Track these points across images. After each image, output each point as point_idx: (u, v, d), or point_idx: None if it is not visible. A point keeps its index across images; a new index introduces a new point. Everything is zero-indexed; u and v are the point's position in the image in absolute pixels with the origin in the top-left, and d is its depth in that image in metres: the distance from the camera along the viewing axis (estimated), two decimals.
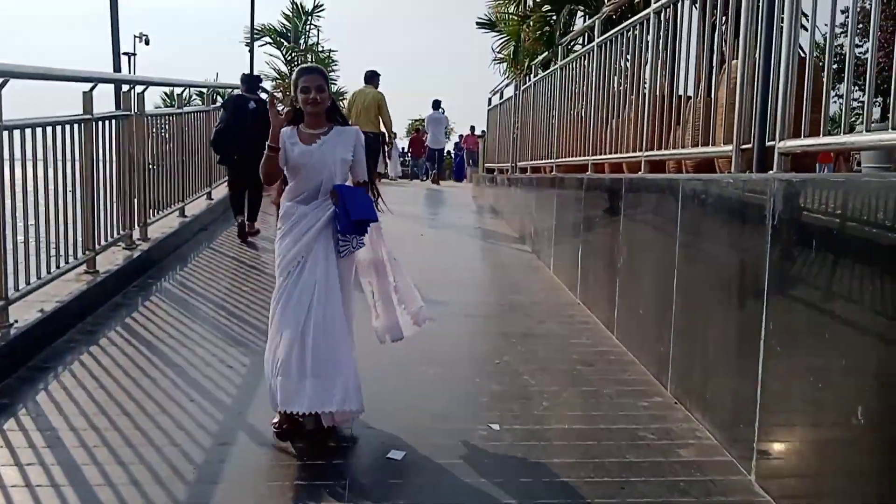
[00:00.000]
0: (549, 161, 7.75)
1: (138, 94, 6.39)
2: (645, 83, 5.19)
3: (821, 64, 3.26)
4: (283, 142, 3.24)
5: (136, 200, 6.34)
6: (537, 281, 6.40)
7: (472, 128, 24.53)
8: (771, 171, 3.12)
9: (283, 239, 3.28)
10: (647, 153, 4.85)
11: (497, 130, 11.63)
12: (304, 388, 3.06)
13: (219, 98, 9.97)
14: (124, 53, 32.48)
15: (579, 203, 5.81)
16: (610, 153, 5.72)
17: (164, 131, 7.65)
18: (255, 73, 14.46)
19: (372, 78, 10.35)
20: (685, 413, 3.44)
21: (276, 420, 3.19)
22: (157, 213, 6.96)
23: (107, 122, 5.65)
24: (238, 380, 3.89)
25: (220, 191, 9.46)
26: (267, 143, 3.23)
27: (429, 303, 3.61)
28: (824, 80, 3.02)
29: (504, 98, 11.34)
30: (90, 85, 5.18)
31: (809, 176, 2.99)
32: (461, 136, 27.23)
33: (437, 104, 16.34)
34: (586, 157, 6.34)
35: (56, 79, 4.88)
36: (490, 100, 12.70)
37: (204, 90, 14.59)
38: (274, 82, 14.47)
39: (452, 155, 25.73)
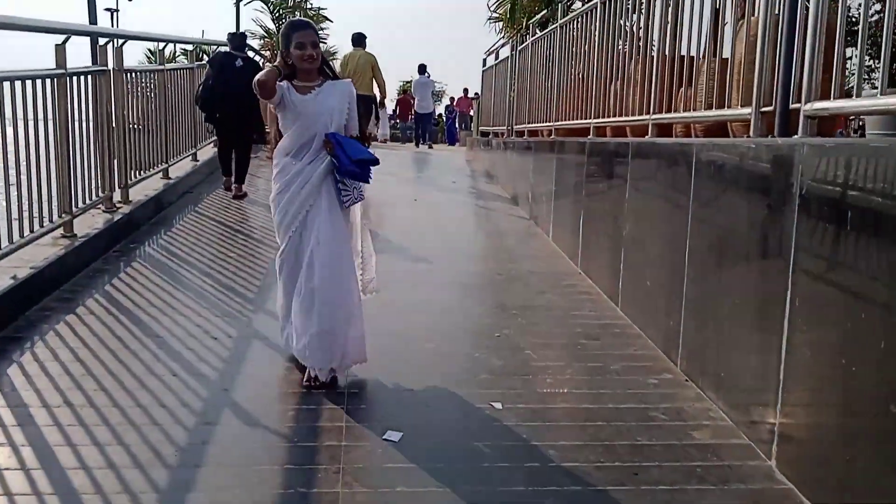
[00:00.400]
0: (548, 124, 7.48)
1: (116, 48, 6.05)
2: (652, 42, 4.93)
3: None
4: (282, 91, 3.19)
5: (116, 161, 6.05)
6: (536, 248, 6.19)
7: (465, 90, 24.09)
8: (796, 136, 2.90)
9: (281, 196, 3.28)
10: (654, 116, 4.60)
11: (492, 93, 11.31)
12: (323, 344, 3.18)
13: (204, 56, 9.80)
14: (106, 9, 31.69)
15: (581, 168, 5.58)
16: (613, 116, 5.47)
17: (148, 90, 7.35)
18: (242, 30, 13.99)
19: (360, 40, 10.26)
20: (697, 391, 3.26)
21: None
22: (140, 174, 6.67)
23: (82, 78, 5.32)
24: (224, 352, 3.67)
25: (206, 152, 9.16)
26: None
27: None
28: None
29: (499, 59, 10.99)
30: (63, 37, 4.85)
31: (844, 141, 2.77)
32: (452, 99, 26.81)
33: (422, 69, 16.22)
34: (588, 121, 6.09)
35: (25, 29, 4.54)
36: (485, 61, 12.34)
37: (188, 47, 14.16)
38: (261, 40, 13.99)
39: (444, 118, 25.30)
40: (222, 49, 8.37)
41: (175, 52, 15.08)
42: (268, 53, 13.90)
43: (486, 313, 4.55)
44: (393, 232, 6.40)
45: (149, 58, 19.14)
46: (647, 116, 4.64)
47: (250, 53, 9.65)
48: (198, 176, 8.38)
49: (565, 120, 6.81)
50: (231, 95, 7.27)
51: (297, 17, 14.88)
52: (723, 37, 3.95)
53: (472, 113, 23.72)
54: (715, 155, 3.41)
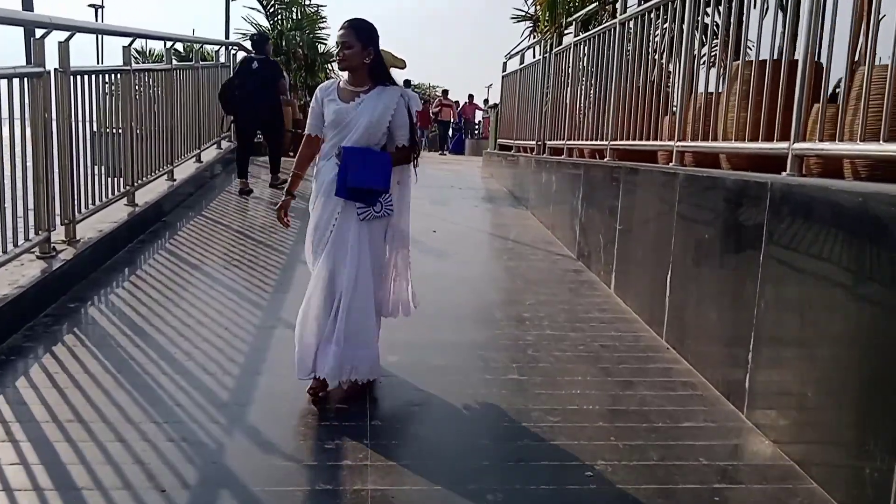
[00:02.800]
0: (599, 143, 6.12)
1: (62, 42, 4.68)
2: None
3: None
4: (320, 98, 3.25)
5: (58, 189, 4.68)
6: (595, 304, 4.81)
7: (471, 96, 22.94)
8: None
9: (314, 204, 3.27)
10: (807, 145, 3.27)
11: (515, 100, 9.96)
12: (335, 355, 3.14)
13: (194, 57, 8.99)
14: (90, 5, 30.10)
15: (667, 206, 4.22)
16: (717, 140, 4.13)
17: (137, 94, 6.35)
18: (233, 29, 12.75)
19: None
20: None
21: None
22: (94, 202, 5.28)
23: (4, 83, 3.95)
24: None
25: (187, 168, 7.78)
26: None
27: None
28: None
29: (525, 62, 9.65)
30: None
31: None
32: (456, 103, 25.66)
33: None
34: (668, 143, 4.74)
35: None
36: (505, 65, 11.00)
37: (180, 48, 12.82)
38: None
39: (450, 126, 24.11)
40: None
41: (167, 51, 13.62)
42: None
43: (552, 427, 3.17)
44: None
45: (135, 59, 17.75)
46: (800, 145, 3.29)
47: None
48: (175, 199, 7.00)
49: (629, 139, 5.46)
50: (246, 97, 7.83)
51: (293, 19, 13.51)
52: None
53: (476, 120, 23.18)
54: None
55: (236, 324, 4.14)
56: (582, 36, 6.87)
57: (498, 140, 11.23)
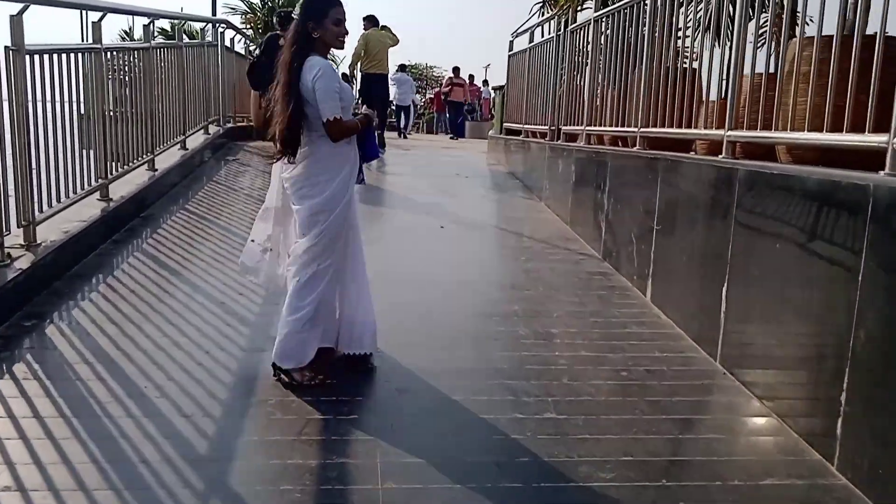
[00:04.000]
0: (625, 130, 5.51)
1: (15, 16, 4.03)
2: None
3: None
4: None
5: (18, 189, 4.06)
6: (630, 313, 4.23)
7: (471, 76, 22.07)
8: None
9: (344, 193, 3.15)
10: None
11: (524, 81, 9.29)
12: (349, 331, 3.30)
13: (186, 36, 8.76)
14: None
15: (723, 209, 3.61)
16: (776, 129, 3.53)
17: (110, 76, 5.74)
18: (222, 4, 12.04)
19: (376, 21, 10.33)
20: None
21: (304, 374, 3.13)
22: (57, 201, 4.66)
23: None
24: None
25: (168, 156, 7.14)
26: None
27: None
28: None
29: (535, 41, 8.98)
30: None
31: None
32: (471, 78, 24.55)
33: (402, 67, 17.78)
34: (716, 131, 4.13)
35: None
36: (511, 43, 10.32)
37: (167, 26, 12.05)
38: (242, 16, 11.87)
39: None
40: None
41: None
42: (251, 32, 11.79)
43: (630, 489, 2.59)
44: (412, 290, 4.48)
45: (122, 38, 16.97)
46: (889, 138, 2.68)
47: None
48: (156, 191, 6.36)
49: (661, 126, 4.85)
50: (272, 76, 7.79)
51: None
52: None
53: (478, 102, 21.61)
54: None
55: (220, 346, 3.54)
56: (605, 10, 6.21)
57: (504, 123, 10.57)
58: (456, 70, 19.14)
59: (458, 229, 6.24)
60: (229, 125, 10.61)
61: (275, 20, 8.82)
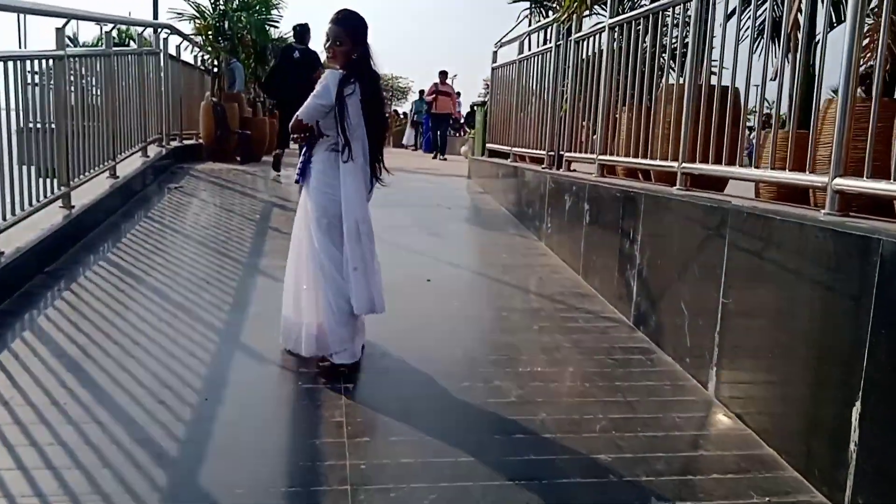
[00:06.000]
0: (658, 164, 4.43)
1: None
2: None
3: None
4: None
5: None
6: (694, 420, 3.13)
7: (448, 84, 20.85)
8: None
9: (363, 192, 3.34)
10: None
11: (511, 98, 8.20)
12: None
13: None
14: None
15: (854, 288, 2.52)
16: None
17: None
18: (167, 8, 10.88)
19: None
20: None
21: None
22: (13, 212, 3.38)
23: None
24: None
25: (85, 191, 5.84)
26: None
27: None
28: None
29: (524, 52, 7.90)
30: None
31: None
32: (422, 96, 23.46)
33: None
34: (805, 177, 3.06)
35: None
36: (495, 54, 9.24)
37: (116, 32, 10.70)
38: (192, 22, 10.58)
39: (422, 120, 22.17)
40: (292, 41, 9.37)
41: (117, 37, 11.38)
42: (200, 39, 10.50)
43: None
44: (396, 384, 3.32)
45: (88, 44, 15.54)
46: None
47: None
48: (68, 236, 5.07)
49: (718, 163, 3.78)
50: (287, 88, 7.87)
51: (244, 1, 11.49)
52: None
53: (456, 112, 19.40)
54: None
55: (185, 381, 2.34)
56: (628, 14, 5.12)
57: (487, 144, 9.46)
58: (443, 75, 16.19)
59: (450, 282, 5.07)
60: (175, 144, 9.34)
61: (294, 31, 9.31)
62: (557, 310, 4.56)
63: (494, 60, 9.23)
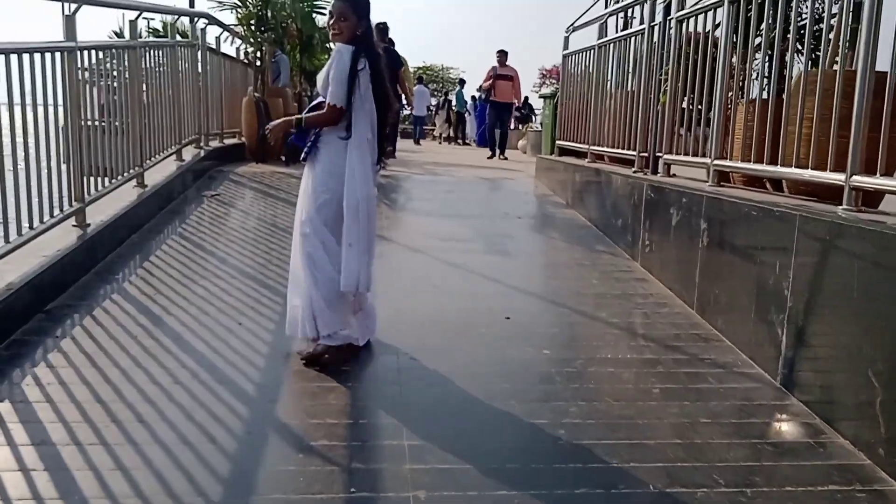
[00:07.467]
0: (829, 177, 3.39)
1: None
2: None
3: None
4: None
5: None
6: None
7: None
8: None
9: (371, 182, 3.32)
10: None
11: (589, 89, 7.18)
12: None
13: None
14: None
15: None
16: None
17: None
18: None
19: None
20: None
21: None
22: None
23: None
24: None
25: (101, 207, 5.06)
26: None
27: None
28: None
29: (606, 35, 6.86)
30: None
31: None
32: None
33: (420, 79, 18.69)
34: None
35: None
36: (567, 40, 8.20)
37: (160, 23, 10.03)
38: (234, 11, 9.79)
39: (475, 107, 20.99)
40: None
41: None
42: (241, 29, 9.72)
43: None
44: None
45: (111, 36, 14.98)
46: None
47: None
48: (78, 265, 4.28)
49: None
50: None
51: None
52: None
53: (517, 102, 16.76)
54: None
55: None
56: None
57: (557, 142, 8.45)
58: (502, 55, 12.90)
59: (533, 320, 4.10)
60: (215, 144, 8.59)
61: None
62: (677, 362, 3.56)
63: (566, 47, 8.19)
